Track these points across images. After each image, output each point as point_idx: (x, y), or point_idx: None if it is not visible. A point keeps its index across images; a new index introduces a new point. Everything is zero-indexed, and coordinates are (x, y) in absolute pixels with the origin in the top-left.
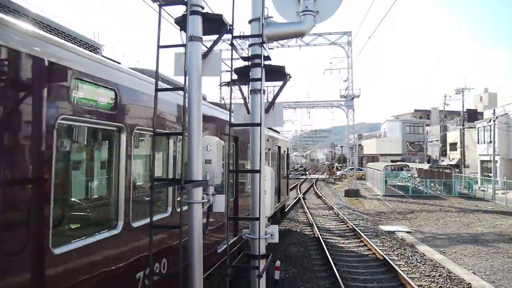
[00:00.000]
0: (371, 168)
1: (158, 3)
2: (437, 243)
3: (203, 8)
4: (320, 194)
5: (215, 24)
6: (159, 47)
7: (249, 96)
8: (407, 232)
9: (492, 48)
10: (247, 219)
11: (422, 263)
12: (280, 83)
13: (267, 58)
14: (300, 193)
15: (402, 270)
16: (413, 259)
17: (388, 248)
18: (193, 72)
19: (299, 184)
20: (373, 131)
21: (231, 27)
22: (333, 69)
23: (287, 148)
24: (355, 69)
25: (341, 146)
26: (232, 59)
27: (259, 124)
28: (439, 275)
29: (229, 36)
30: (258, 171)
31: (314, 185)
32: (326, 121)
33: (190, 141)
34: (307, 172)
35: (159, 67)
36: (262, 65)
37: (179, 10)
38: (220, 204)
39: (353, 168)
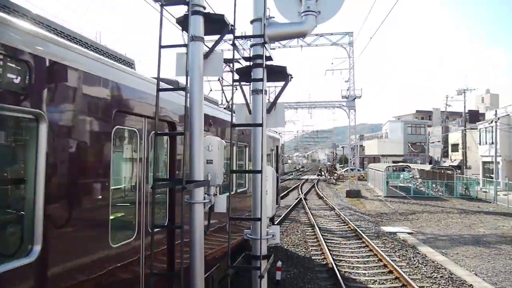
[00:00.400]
0: (372, 169)
1: (160, 3)
2: (439, 244)
3: (204, 8)
4: (322, 195)
5: (216, 24)
6: (160, 47)
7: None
8: (408, 233)
9: (491, 47)
10: (248, 219)
11: (424, 264)
12: (281, 83)
13: (269, 58)
14: (302, 193)
15: (403, 271)
16: (414, 260)
17: (389, 249)
18: (195, 72)
19: (300, 185)
20: (375, 132)
21: (232, 27)
22: (335, 69)
23: (277, 146)
24: (356, 69)
25: (343, 147)
26: (233, 59)
27: (261, 125)
28: (441, 277)
29: (230, 36)
30: (260, 172)
31: (316, 185)
32: (328, 121)
33: (192, 141)
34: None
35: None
36: (264, 65)
37: (180, 10)
38: (222, 204)
39: (354, 169)
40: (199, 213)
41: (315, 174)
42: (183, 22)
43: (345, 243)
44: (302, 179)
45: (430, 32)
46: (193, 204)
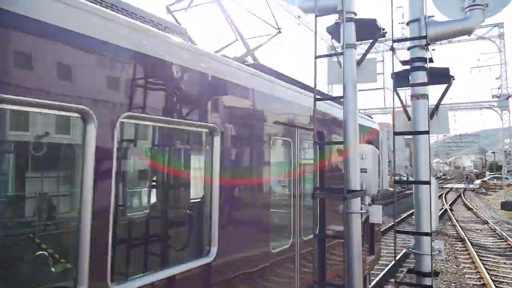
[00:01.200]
0: None
1: (314, 14)
2: None
3: (356, 14)
4: (470, 206)
5: (367, 29)
6: (316, 57)
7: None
8: None
9: None
10: (415, 233)
11: None
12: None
13: (430, 60)
14: (446, 203)
15: None
16: None
17: None
18: (349, 80)
19: (444, 194)
20: None
21: (383, 31)
22: (482, 66)
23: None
24: (510, 64)
25: (493, 152)
26: (393, 63)
27: (427, 132)
28: None
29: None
30: (428, 183)
31: (462, 195)
32: (473, 124)
33: (347, 150)
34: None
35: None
36: (427, 68)
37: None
38: (377, 214)
39: (509, 178)
40: (357, 224)
41: (460, 183)
42: (334, 30)
43: (504, 262)
44: (446, 187)
45: None
46: (350, 214)
